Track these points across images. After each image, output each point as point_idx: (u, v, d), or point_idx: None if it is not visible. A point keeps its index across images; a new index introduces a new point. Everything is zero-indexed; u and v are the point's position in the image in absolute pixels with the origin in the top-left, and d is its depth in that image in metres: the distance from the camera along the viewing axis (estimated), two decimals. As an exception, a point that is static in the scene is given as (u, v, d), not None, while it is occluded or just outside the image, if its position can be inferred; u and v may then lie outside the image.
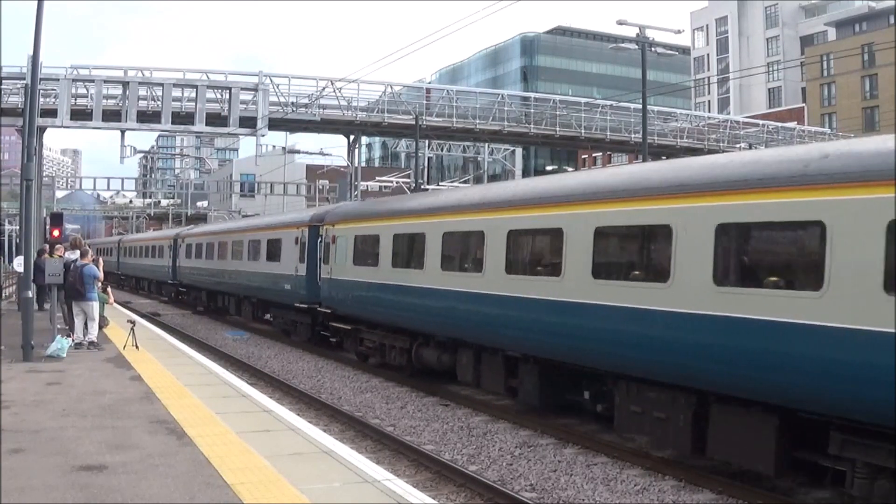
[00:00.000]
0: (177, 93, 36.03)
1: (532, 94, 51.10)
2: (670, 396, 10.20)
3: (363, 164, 57.53)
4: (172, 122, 36.35)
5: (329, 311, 20.67)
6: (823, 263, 7.99)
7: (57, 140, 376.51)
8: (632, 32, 30.25)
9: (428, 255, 15.43)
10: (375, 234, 18.04)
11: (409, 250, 16.53)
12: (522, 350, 13.06)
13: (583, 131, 45.10)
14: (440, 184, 64.09)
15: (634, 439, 11.62)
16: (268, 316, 28.04)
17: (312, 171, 76.20)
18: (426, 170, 57.37)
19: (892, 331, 7.26)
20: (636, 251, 10.97)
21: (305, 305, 22.21)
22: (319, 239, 21.44)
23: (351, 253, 19.23)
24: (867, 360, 7.55)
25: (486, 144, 53.14)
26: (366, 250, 18.48)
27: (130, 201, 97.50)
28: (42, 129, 34.78)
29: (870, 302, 7.55)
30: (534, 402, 13.27)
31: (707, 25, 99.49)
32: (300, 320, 23.59)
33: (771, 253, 9.24)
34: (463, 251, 14.71)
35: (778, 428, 8.87)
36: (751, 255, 9.36)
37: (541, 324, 12.03)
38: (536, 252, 12.78)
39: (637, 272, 10.61)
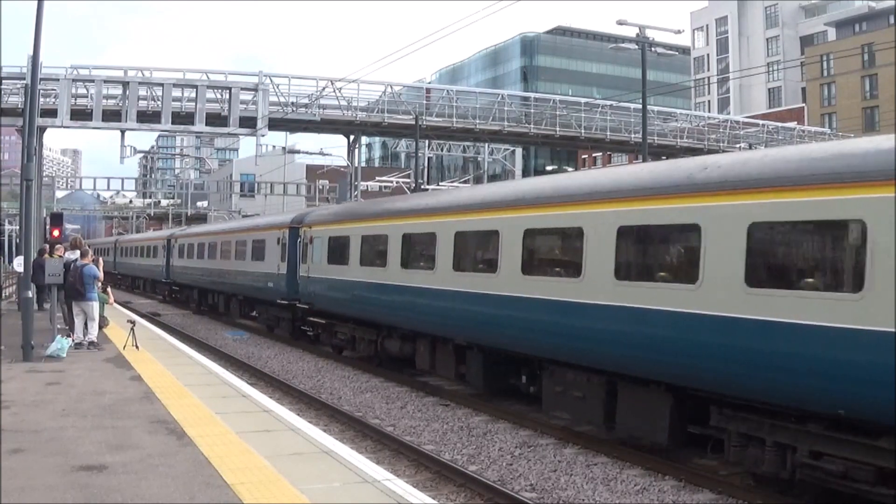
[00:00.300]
0: (177, 93, 36.02)
1: (532, 94, 51.08)
2: (585, 378, 11.64)
3: (363, 164, 57.55)
4: (172, 122, 36.34)
5: (307, 306, 22.20)
6: (699, 260, 9.34)
7: (57, 140, 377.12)
8: (632, 32, 30.25)
9: (390, 254, 17.04)
10: (346, 235, 19.64)
11: (375, 250, 18.02)
12: (469, 339, 14.55)
13: (583, 131, 45.09)
14: (440, 184, 64.15)
15: (559, 417, 12.86)
16: (254, 313, 29.32)
17: (312, 171, 76.21)
18: (426, 170, 57.38)
19: (751, 317, 8.61)
20: (558, 250, 12.44)
21: (286, 302, 23.73)
22: (299, 240, 22.97)
23: (325, 253, 20.90)
24: (733, 343, 8.85)
25: (486, 144, 53.13)
26: (338, 250, 20.09)
27: (130, 201, 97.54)
28: (42, 129, 34.77)
29: (734, 294, 8.86)
30: (479, 386, 14.78)
31: (707, 25, 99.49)
32: (282, 316, 25.14)
33: (659, 251, 10.67)
34: (420, 251, 16.10)
35: (672, 404, 10.25)
36: (644, 253, 10.78)
37: (482, 315, 13.60)
38: (479, 252, 14.27)
39: (557, 269, 12.11)
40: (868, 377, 7.59)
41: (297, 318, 23.75)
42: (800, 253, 8.78)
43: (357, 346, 19.68)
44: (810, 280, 8.43)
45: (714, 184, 9.39)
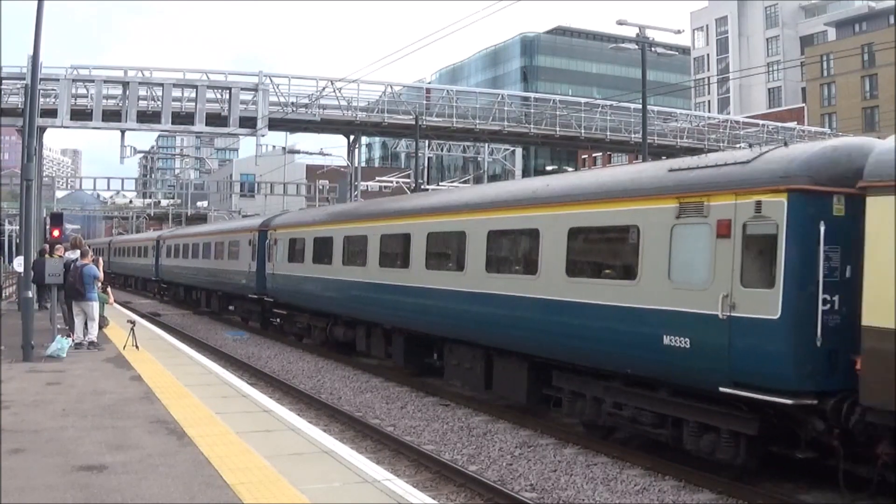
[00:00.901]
0: (177, 93, 35.98)
1: (532, 94, 51.04)
2: (471, 352, 14.58)
3: (363, 164, 57.54)
4: (172, 122, 36.30)
5: (272, 300, 25.91)
6: (538, 256, 12.23)
7: (57, 140, 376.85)
8: (632, 32, 30.23)
9: (334, 253, 20.42)
10: (302, 237, 23.12)
11: (323, 250, 21.24)
12: (393, 324, 17.70)
13: (583, 131, 45.05)
14: (440, 184, 64.10)
15: (454, 384, 15.87)
16: (231, 307, 32.56)
17: (312, 171, 76.17)
18: (426, 170, 57.35)
19: (570, 300, 11.55)
20: (449, 250, 15.25)
21: (256, 296, 27.27)
22: (267, 241, 26.25)
23: (286, 253, 24.23)
24: (561, 320, 11.71)
25: (486, 144, 53.10)
26: (296, 250, 23.49)
27: (130, 201, 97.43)
28: (42, 129, 34.74)
29: (560, 281, 11.70)
30: (400, 363, 17.98)
31: (707, 25, 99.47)
32: (253, 309, 28.86)
33: (513, 249, 13.54)
34: (357, 250, 19.18)
35: (528, 371, 13.10)
36: (505, 250, 13.78)
37: (401, 303, 16.67)
38: (397, 250, 17.31)
39: (450, 264, 15.16)
40: (643, 343, 10.16)
41: (265, 311, 27.32)
42: (599, 250, 11.92)
43: (312, 333, 23.30)
44: (607, 271, 11.39)
45: (547, 198, 12.41)
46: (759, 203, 8.95)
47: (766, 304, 8.81)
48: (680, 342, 9.68)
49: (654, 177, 10.72)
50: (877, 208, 8.05)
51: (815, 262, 8.52)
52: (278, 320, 26.32)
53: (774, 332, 8.75)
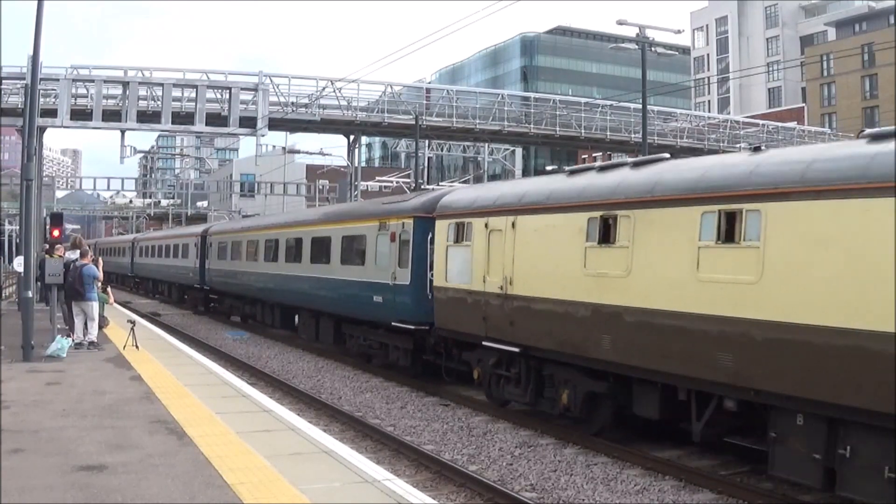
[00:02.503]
0: (177, 93, 35.96)
1: (532, 94, 51.02)
2: (312, 315, 22.49)
3: (363, 164, 57.49)
4: (172, 122, 36.29)
5: (209, 289, 34.68)
6: (365, 252, 19.00)
7: (57, 140, 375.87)
8: (632, 32, 30.22)
9: (244, 254, 29.21)
10: (227, 240, 31.86)
11: (234, 251, 30.65)
12: (271, 300, 26.38)
13: (583, 131, 45.03)
14: (440, 184, 64.07)
15: (304, 339, 23.90)
16: (185, 296, 39.80)
17: (312, 171, 76.17)
18: (426, 170, 57.34)
19: (341, 278, 19.93)
20: (325, 249, 21.77)
21: (199, 286, 35.50)
22: (207, 244, 34.61)
23: (216, 253, 33.08)
24: (349, 292, 19.32)
25: (486, 144, 53.08)
26: (222, 251, 32.40)
27: (130, 201, 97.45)
28: (42, 129, 34.71)
29: (372, 268, 18.19)
30: (277, 326, 26.41)
31: (707, 25, 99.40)
32: (198, 297, 36.86)
33: (319, 248, 21.92)
34: (253, 251, 28.04)
35: (334, 326, 20.87)
36: (317, 249, 21.97)
37: (272, 286, 25.60)
38: (268, 250, 26.22)
39: (288, 257, 24.30)
40: (367, 301, 18.08)
41: (206, 298, 35.79)
42: (352, 248, 19.67)
43: (233, 312, 32.20)
44: (357, 259, 19.18)
45: (336, 216, 21.80)
46: (404, 223, 16.89)
47: (406, 276, 16.53)
48: (378, 299, 17.63)
49: (373, 209, 19.35)
50: (441, 225, 15.47)
51: (425, 254, 16.02)
52: (213, 305, 35.27)
53: (408, 292, 16.44)
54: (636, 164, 11.56)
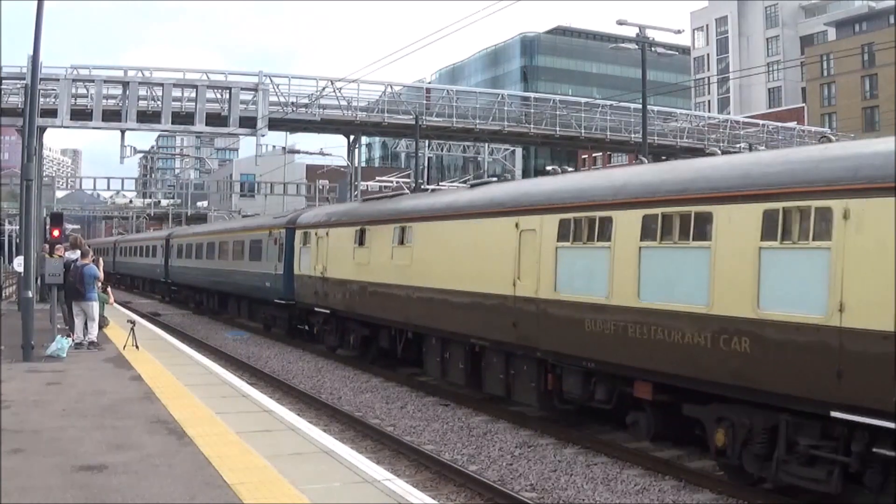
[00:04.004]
0: (177, 93, 35.90)
1: (532, 94, 50.93)
2: (236, 300, 31.39)
3: (363, 164, 57.47)
4: (172, 122, 36.24)
5: (172, 282, 42.67)
6: (262, 251, 27.52)
7: (57, 140, 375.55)
8: (632, 32, 30.23)
9: (195, 253, 36.72)
10: (189, 242, 39.07)
11: (189, 251, 37.97)
12: (220, 290, 33.22)
13: (583, 131, 44.97)
14: (440, 184, 64.00)
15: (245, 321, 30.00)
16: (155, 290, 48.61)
17: (312, 171, 76.13)
18: (426, 170, 57.29)
19: (246, 270, 29.09)
20: (263, 249, 28.01)
21: (164, 280, 44.30)
22: (171, 245, 42.38)
23: (177, 252, 40.80)
24: (266, 283, 26.27)
25: (486, 144, 53.04)
26: (183, 250, 39.69)
27: (130, 201, 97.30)
28: (42, 129, 34.66)
29: (266, 263, 26.66)
30: (216, 310, 34.10)
31: (707, 25, 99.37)
32: (164, 289, 45.39)
33: (240, 249, 30.78)
34: (200, 251, 35.83)
35: (248, 305, 29.92)
36: (249, 251, 29.42)
37: (212, 279, 33.69)
38: (222, 250, 32.70)
39: (217, 256, 33.40)
40: (263, 286, 26.21)
41: (170, 290, 43.59)
42: (256, 248, 27.41)
43: (190, 301, 38.85)
44: (258, 256, 27.33)
45: (251, 226, 30.16)
46: (281, 231, 24.92)
47: (281, 268, 24.36)
48: (269, 284, 25.43)
49: (267, 222, 27.77)
50: (298, 234, 23.49)
51: (292, 252, 23.56)
52: (174, 295, 42.98)
53: (279, 278, 24.51)
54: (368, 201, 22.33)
